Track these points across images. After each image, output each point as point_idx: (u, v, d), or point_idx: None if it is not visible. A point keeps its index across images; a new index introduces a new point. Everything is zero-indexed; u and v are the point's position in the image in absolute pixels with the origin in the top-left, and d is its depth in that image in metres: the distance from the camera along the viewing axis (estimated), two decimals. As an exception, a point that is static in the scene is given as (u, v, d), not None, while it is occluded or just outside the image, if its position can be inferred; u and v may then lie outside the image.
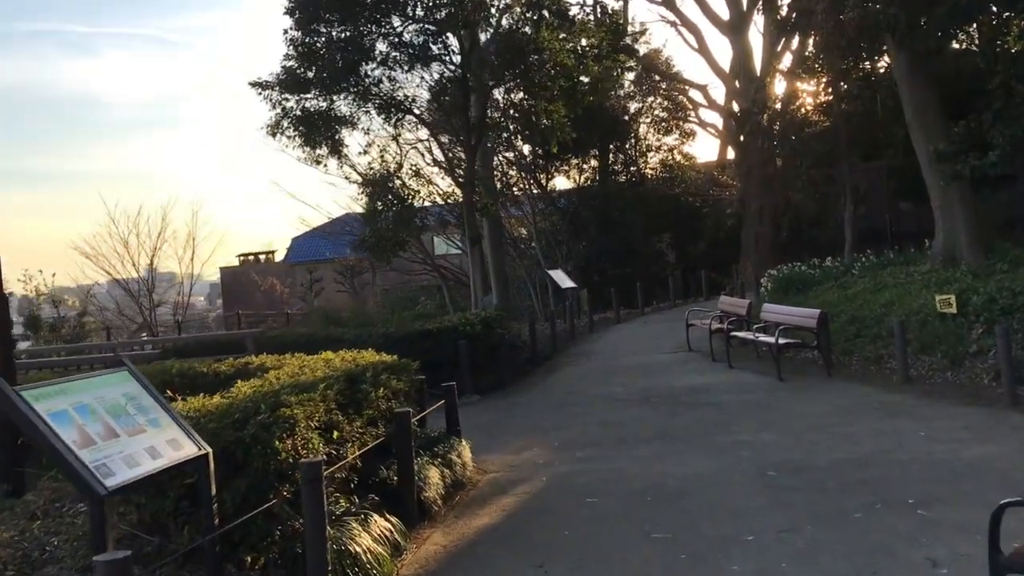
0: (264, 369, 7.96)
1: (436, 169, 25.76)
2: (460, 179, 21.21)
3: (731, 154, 35.21)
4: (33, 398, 4.00)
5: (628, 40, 29.88)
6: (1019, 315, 11.03)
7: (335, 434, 6.11)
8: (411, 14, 18.98)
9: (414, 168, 22.83)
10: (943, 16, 14.54)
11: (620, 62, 24.50)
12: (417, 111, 21.37)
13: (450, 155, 24.15)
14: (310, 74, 18.84)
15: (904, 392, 10.88)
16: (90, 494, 3.96)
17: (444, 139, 24.45)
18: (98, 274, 22.11)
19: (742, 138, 29.25)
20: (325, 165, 21.06)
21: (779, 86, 27.71)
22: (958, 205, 15.94)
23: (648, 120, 34.30)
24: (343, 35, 18.84)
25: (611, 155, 33.21)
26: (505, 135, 23.65)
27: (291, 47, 18.73)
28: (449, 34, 19.06)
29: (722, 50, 48.88)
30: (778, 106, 25.95)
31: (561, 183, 34.05)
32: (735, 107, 30.50)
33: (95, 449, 4.07)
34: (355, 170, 23.14)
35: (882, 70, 21.62)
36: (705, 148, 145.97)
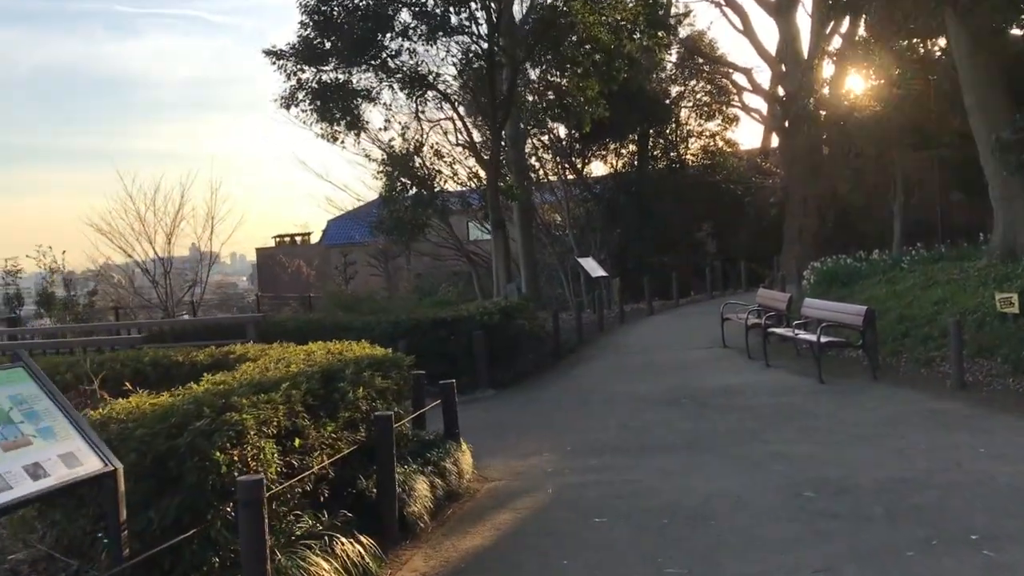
0: (244, 360, 7.20)
1: (460, 149, 24.75)
2: (485, 158, 20.29)
3: (775, 141, 34.11)
4: None
5: (671, 21, 28.85)
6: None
7: (297, 442, 5.28)
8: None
9: (435, 148, 21.96)
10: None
11: (658, 40, 23.27)
12: (441, 87, 20.44)
13: (475, 134, 23.18)
14: (327, 44, 17.88)
15: (958, 399, 9.88)
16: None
17: (469, 118, 23.47)
18: (114, 252, 21.58)
19: (787, 124, 28.31)
20: (342, 142, 20.16)
21: (827, 70, 26.59)
22: (1021, 197, 15.09)
23: (690, 104, 33.20)
24: (361, 2, 17.87)
25: (650, 140, 32.10)
26: (536, 113, 22.59)
27: (306, 14, 17.79)
28: (475, 3, 18.03)
29: (768, 32, 47.64)
30: (826, 91, 24.79)
31: (598, 169, 33.11)
32: (780, 92, 29.52)
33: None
34: (376, 145, 22.28)
35: (938, 53, 20.39)
36: (748, 134, 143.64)
